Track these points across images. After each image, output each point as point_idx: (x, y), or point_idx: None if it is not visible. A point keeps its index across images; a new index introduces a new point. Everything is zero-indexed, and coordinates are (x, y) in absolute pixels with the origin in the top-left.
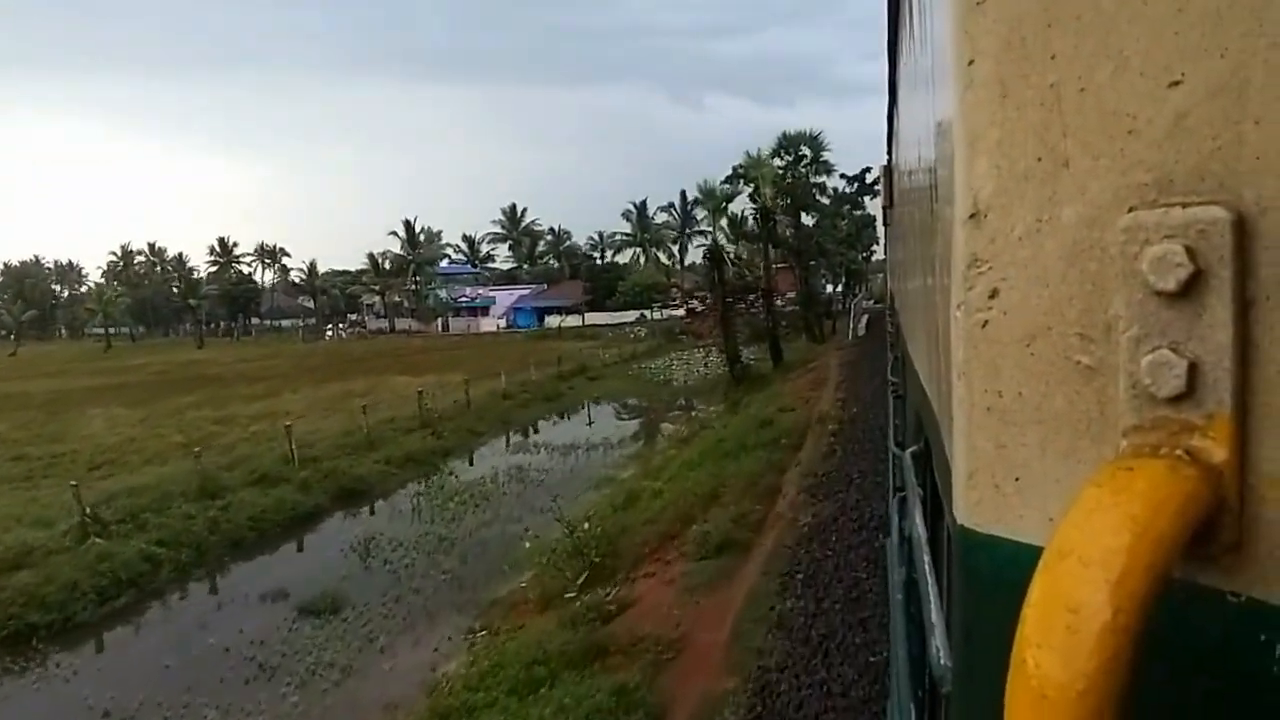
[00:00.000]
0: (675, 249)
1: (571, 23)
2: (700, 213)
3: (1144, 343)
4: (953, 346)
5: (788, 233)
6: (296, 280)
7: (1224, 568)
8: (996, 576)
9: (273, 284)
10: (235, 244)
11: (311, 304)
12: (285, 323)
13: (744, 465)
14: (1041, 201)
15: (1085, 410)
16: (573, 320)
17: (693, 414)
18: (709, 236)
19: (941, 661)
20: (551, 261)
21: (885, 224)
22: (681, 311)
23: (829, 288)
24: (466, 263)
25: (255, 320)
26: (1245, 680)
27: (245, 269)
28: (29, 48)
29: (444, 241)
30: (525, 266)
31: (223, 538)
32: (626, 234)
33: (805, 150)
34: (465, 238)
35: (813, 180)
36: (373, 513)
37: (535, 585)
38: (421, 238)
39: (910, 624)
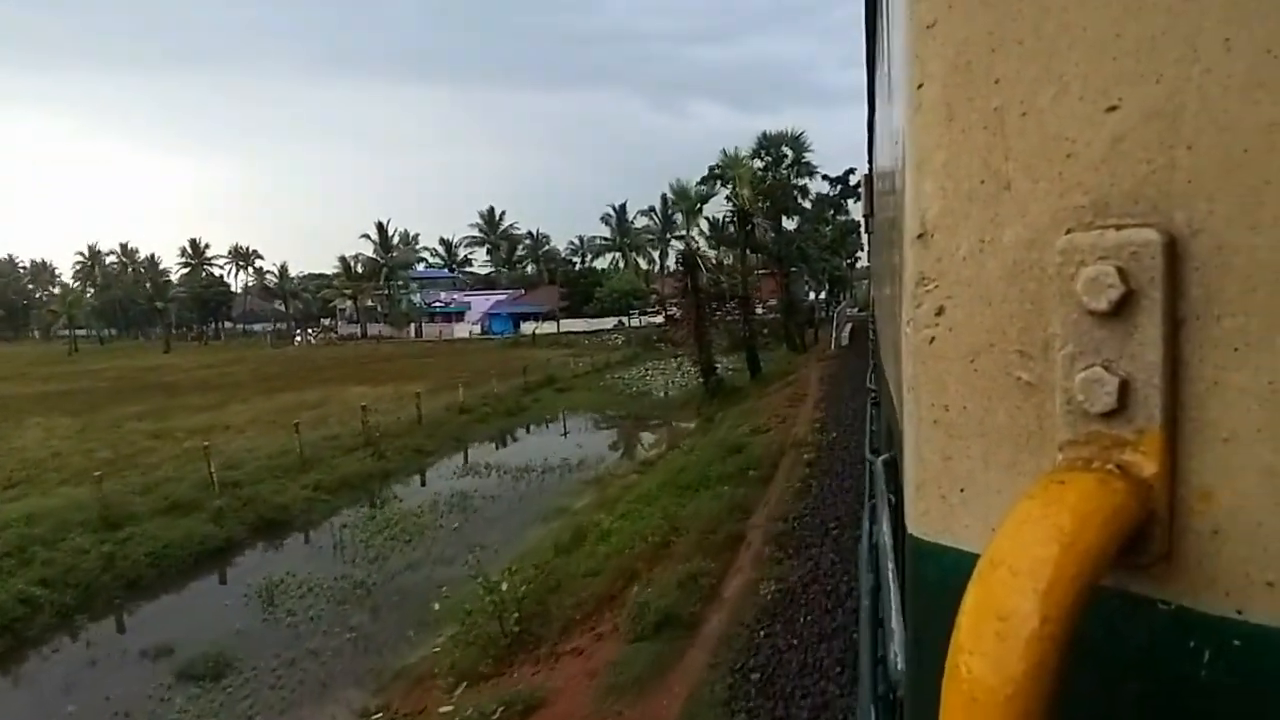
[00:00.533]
0: (655, 254)
1: (553, 26)
2: (681, 216)
3: (1079, 360)
4: (903, 361)
5: (768, 237)
6: (268, 283)
7: (1155, 577)
8: (942, 584)
9: (245, 287)
10: (207, 245)
11: (286, 308)
12: (258, 327)
13: (704, 505)
14: (984, 223)
15: (1025, 424)
16: (549, 327)
17: (662, 431)
18: (686, 240)
19: (899, 666)
20: (530, 267)
21: (867, 231)
22: (660, 319)
23: (812, 295)
24: (444, 267)
25: (228, 324)
26: (1175, 685)
27: (218, 271)
28: None
29: (420, 245)
30: (503, 271)
31: (117, 576)
32: (606, 238)
33: (786, 151)
34: (442, 241)
35: (794, 182)
36: (296, 546)
37: (448, 654)
38: (395, 240)
39: (874, 629)
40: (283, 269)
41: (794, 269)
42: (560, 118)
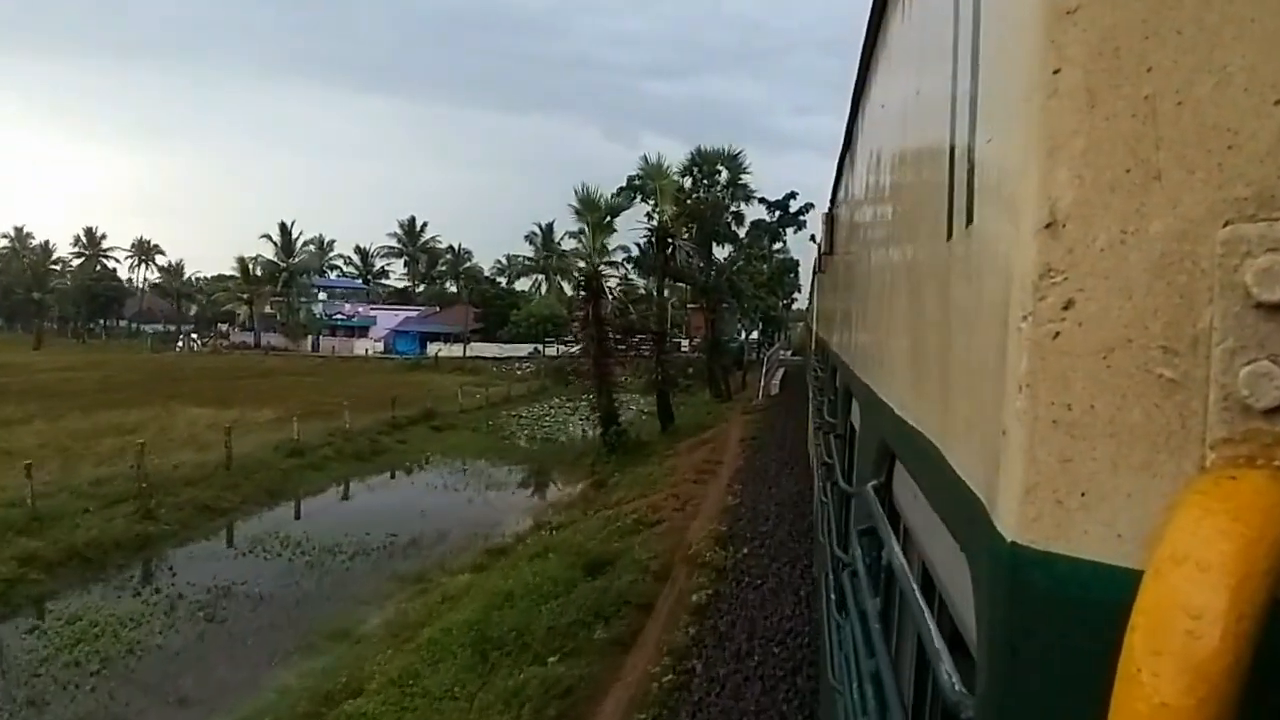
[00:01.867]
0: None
1: (519, 49)
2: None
3: (1240, 354)
4: (1012, 359)
5: (692, 264)
6: (158, 281)
7: None
8: (1052, 593)
9: (143, 284)
10: (103, 236)
11: (190, 309)
12: (152, 328)
13: (515, 689)
14: (1128, 213)
15: (1165, 423)
16: (460, 349)
17: (538, 498)
18: (589, 260)
19: (955, 687)
20: (449, 283)
21: (818, 271)
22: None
23: (744, 334)
24: (358, 277)
25: (124, 322)
26: None
27: (114, 264)
28: None
29: (335, 253)
30: (420, 286)
31: None
32: (530, 258)
33: (721, 170)
34: (358, 250)
35: (729, 207)
36: None
37: None
38: (300, 243)
39: (897, 656)
40: (177, 267)
41: (725, 304)
42: (511, 139)
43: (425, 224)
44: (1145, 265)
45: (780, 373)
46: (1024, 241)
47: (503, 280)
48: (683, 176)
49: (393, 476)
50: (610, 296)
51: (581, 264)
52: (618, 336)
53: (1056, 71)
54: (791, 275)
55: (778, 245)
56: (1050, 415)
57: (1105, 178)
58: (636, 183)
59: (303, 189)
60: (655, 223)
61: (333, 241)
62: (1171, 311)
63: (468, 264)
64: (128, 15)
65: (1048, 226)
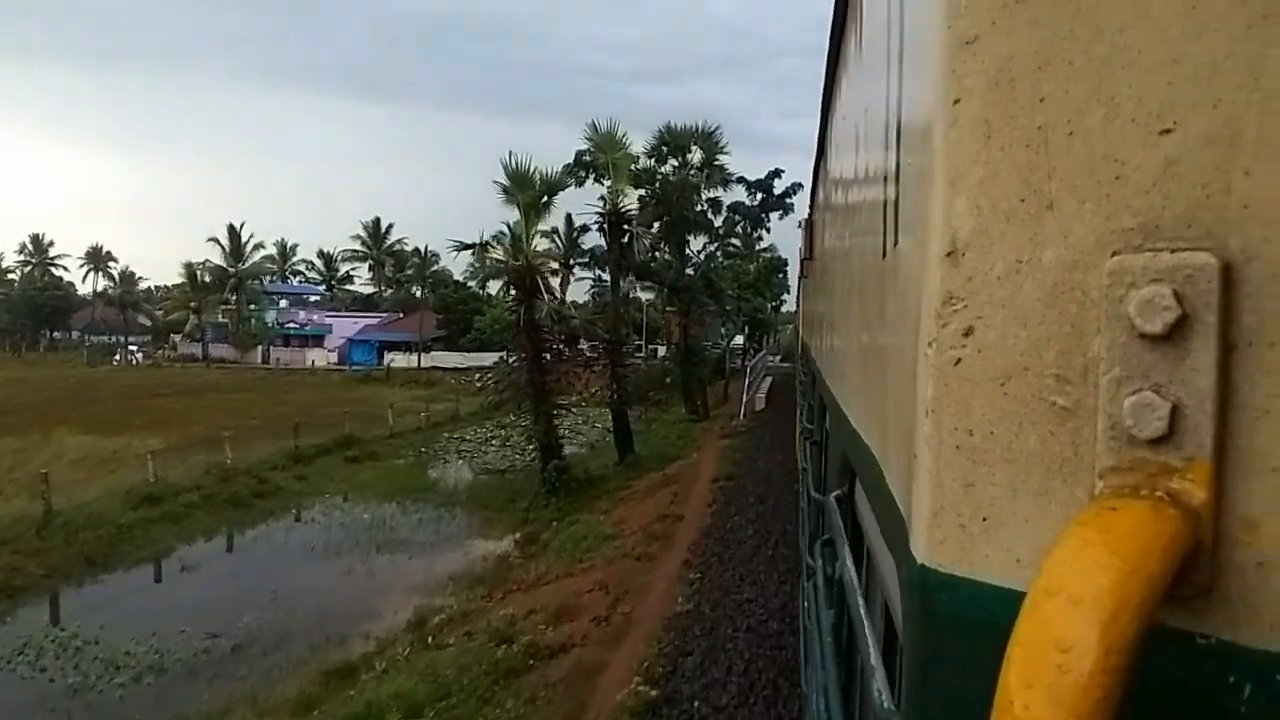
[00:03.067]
0: (556, 281)
1: (501, 55)
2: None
3: (1126, 384)
4: (920, 384)
5: (659, 257)
6: (107, 291)
7: (1194, 610)
8: (958, 617)
9: (92, 294)
10: (51, 243)
11: (148, 320)
12: (99, 339)
13: None
14: (1023, 242)
15: (1059, 451)
16: (424, 359)
17: (441, 565)
18: (523, 250)
19: (884, 704)
20: (416, 288)
21: (802, 275)
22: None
23: (731, 339)
24: (321, 283)
25: (77, 334)
26: None
27: (62, 273)
28: None
29: (299, 257)
30: (387, 292)
31: None
32: (500, 259)
33: (696, 151)
34: (321, 253)
35: (705, 193)
36: None
37: None
38: (249, 247)
39: (842, 667)
40: (125, 275)
41: (710, 306)
42: (499, 144)
43: (391, 226)
44: (1039, 294)
45: (767, 383)
46: (930, 267)
47: (475, 285)
48: (649, 157)
49: (267, 531)
50: (549, 296)
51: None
52: (559, 346)
53: (956, 102)
54: (780, 275)
55: (759, 234)
56: (954, 440)
57: (1002, 207)
58: (586, 158)
59: (279, 196)
60: (608, 206)
61: (295, 246)
62: (1063, 340)
63: (435, 267)
64: (93, 20)
65: (949, 254)
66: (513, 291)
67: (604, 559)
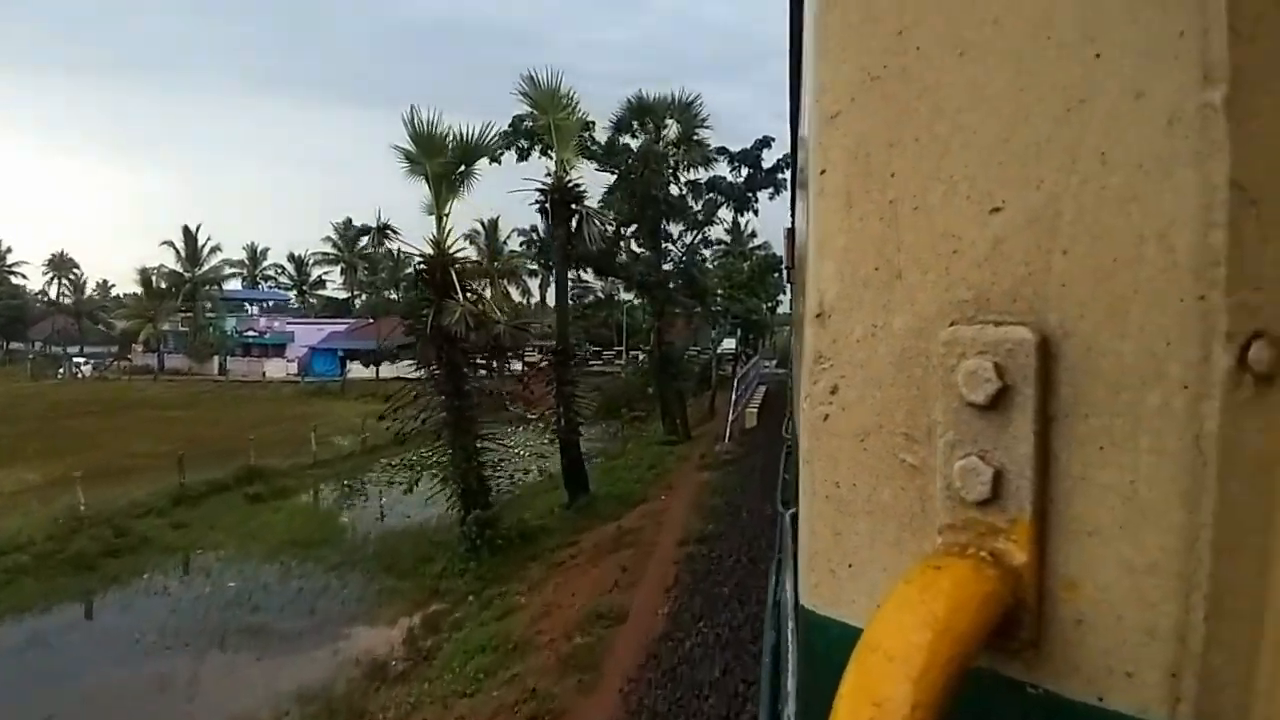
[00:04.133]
0: (535, 284)
1: (495, 60)
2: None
3: (958, 448)
4: (800, 435)
5: (620, 246)
6: (60, 299)
7: (1025, 661)
8: (829, 658)
9: (45, 303)
10: (9, 250)
11: (113, 329)
12: (61, 351)
13: None
14: (877, 308)
15: (909, 505)
16: (388, 369)
17: (296, 671)
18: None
19: None
20: (391, 293)
21: (789, 282)
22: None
23: (719, 344)
24: (292, 288)
25: (39, 344)
26: None
27: (21, 280)
28: None
29: (271, 261)
30: (362, 297)
31: None
32: (474, 261)
33: (670, 125)
34: (291, 257)
35: (683, 174)
36: None
37: None
38: (205, 251)
39: (773, 686)
40: (77, 283)
41: (694, 309)
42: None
43: (365, 226)
44: (890, 358)
45: (760, 393)
46: (807, 325)
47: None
48: (622, 133)
49: (89, 613)
50: (468, 296)
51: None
52: (487, 361)
53: (823, 172)
54: (776, 274)
55: (745, 217)
56: (824, 491)
57: (860, 274)
58: (525, 124)
59: (263, 201)
60: (547, 184)
61: (266, 250)
62: (911, 402)
63: (409, 269)
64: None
65: (818, 316)
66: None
67: (491, 707)
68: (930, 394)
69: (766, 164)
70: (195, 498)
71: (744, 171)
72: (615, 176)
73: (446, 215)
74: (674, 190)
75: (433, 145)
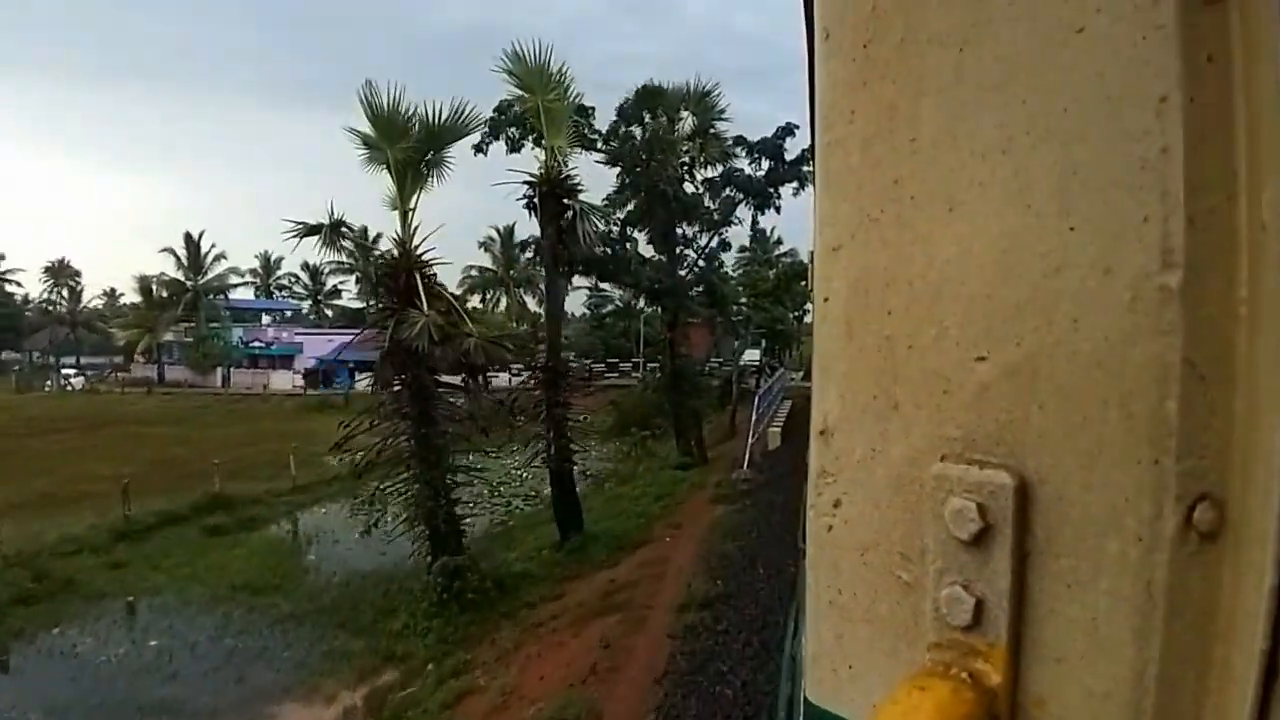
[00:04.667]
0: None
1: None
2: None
3: (945, 575)
4: (807, 542)
5: (631, 250)
6: (51, 308)
7: None
8: None
9: (39, 312)
10: (2, 255)
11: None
12: (65, 360)
13: None
14: (876, 434)
15: (903, 619)
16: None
17: None
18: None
19: None
20: None
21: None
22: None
23: (740, 355)
24: (307, 297)
25: (37, 355)
26: None
27: (16, 289)
28: None
29: (285, 270)
30: (376, 305)
31: None
32: (488, 269)
33: (685, 117)
34: (305, 266)
35: (699, 172)
36: None
37: None
38: (209, 259)
39: None
40: (73, 291)
41: (714, 318)
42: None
43: (380, 235)
44: (888, 481)
45: (785, 409)
46: (813, 438)
47: (474, 298)
48: (627, 124)
49: None
50: (440, 305)
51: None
52: (462, 379)
53: (826, 300)
54: (802, 282)
55: (765, 218)
56: (827, 596)
57: (860, 400)
58: (514, 108)
59: (284, 212)
60: (537, 173)
61: (280, 259)
62: (907, 525)
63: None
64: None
65: (821, 433)
66: (379, 294)
67: None
68: (923, 520)
69: (790, 155)
70: (144, 531)
71: (764, 164)
72: (618, 170)
73: (412, 210)
74: (689, 189)
75: (394, 128)
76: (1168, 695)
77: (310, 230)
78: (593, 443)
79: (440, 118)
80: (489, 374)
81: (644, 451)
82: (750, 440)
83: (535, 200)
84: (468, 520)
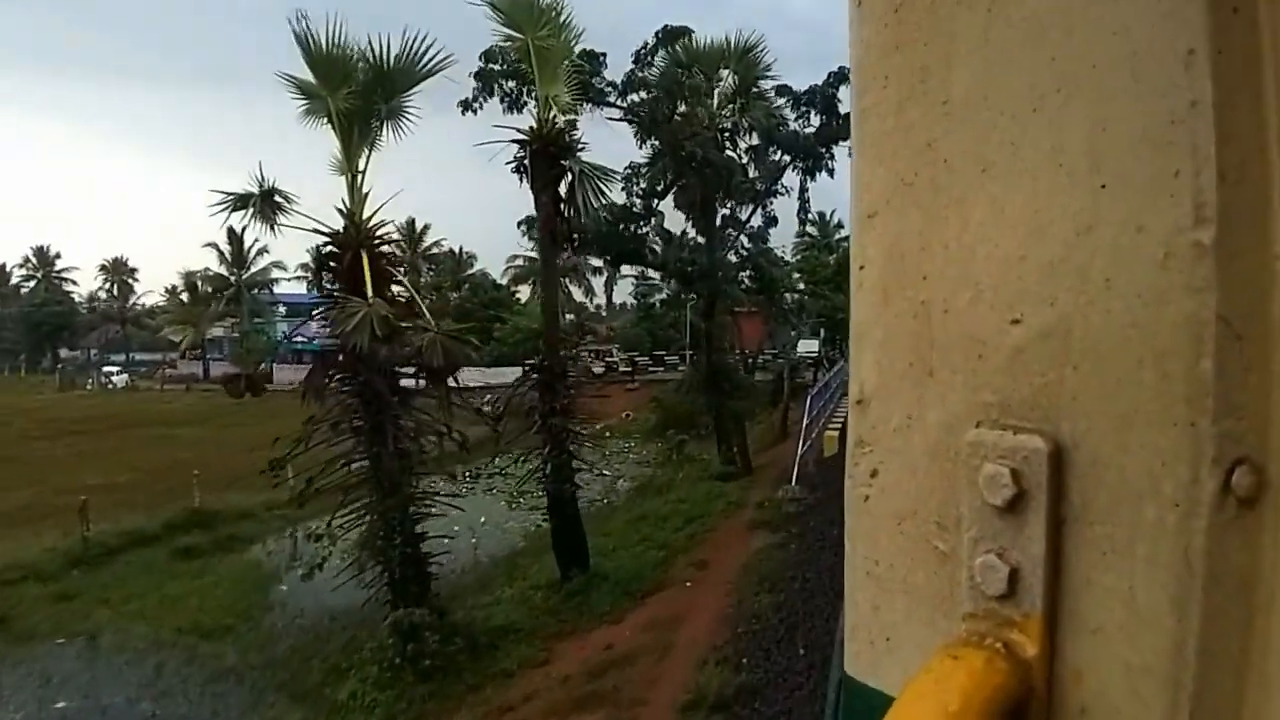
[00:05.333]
0: (599, 281)
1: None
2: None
3: (980, 544)
4: (846, 512)
5: (656, 225)
6: (94, 305)
7: None
8: None
9: (87, 310)
10: (58, 255)
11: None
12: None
13: None
14: (912, 401)
15: (940, 589)
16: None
17: None
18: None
19: None
20: (453, 295)
21: None
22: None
23: (803, 345)
24: None
25: (94, 352)
26: None
27: (71, 287)
28: None
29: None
30: (429, 299)
31: None
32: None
33: (726, 76)
34: None
35: (740, 139)
36: None
37: None
38: (251, 253)
39: None
40: (122, 287)
41: (751, 306)
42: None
43: (427, 226)
44: (924, 449)
45: (846, 408)
46: (850, 409)
47: (523, 289)
48: (640, 68)
49: None
50: (393, 289)
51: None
52: (419, 381)
53: (862, 268)
54: None
55: (815, 189)
56: (865, 568)
57: (896, 367)
58: (510, 55)
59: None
60: (530, 130)
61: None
62: (942, 493)
63: (470, 270)
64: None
65: (859, 403)
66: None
67: None
68: (958, 488)
69: (844, 106)
70: (105, 555)
71: (815, 120)
72: (635, 130)
73: (361, 174)
74: (732, 155)
75: (335, 69)
76: (1208, 668)
77: (240, 202)
78: (631, 444)
79: (389, 56)
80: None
81: (683, 457)
82: (800, 448)
83: (524, 163)
84: (441, 557)
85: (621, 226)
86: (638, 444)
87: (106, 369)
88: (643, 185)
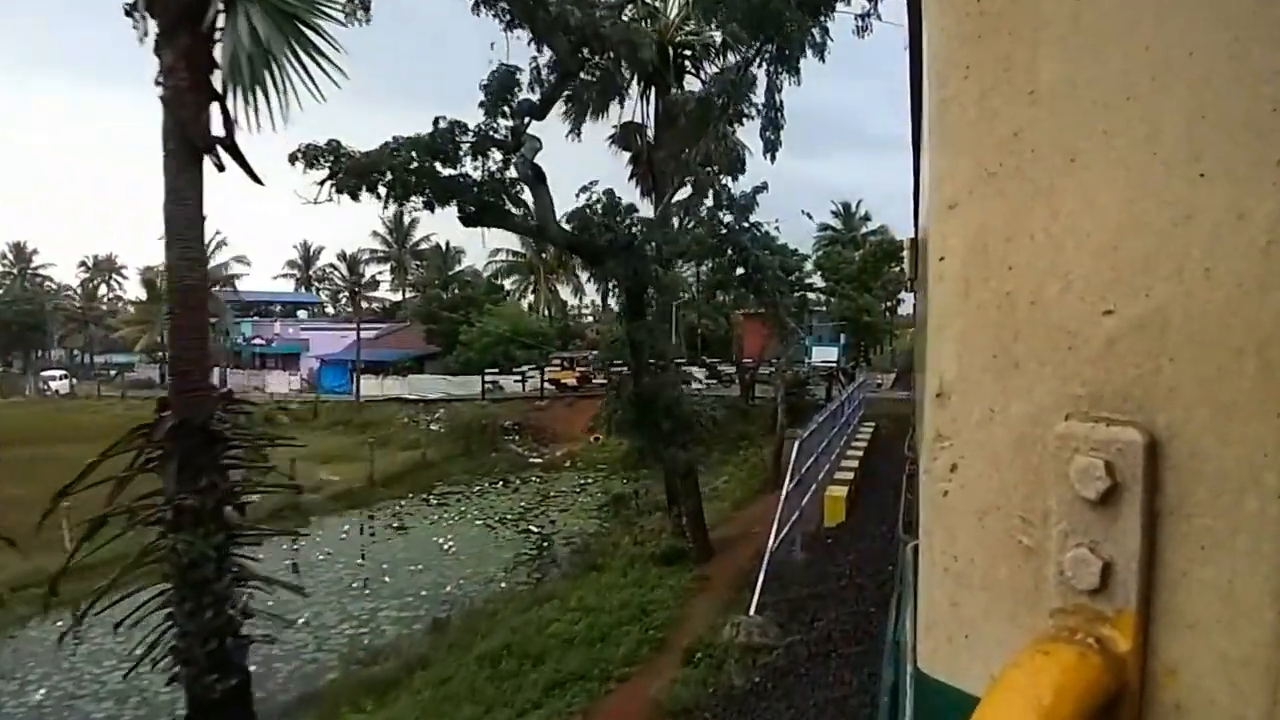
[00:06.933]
0: (585, 277)
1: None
2: None
3: (1070, 538)
4: (920, 507)
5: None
6: (59, 304)
7: None
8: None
9: (58, 307)
10: (34, 251)
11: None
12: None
13: None
14: (996, 393)
15: (1024, 584)
16: (393, 384)
17: None
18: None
19: None
20: (443, 293)
21: (912, 290)
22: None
23: (818, 352)
24: (341, 290)
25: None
26: None
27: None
28: None
29: (324, 261)
30: (410, 297)
31: None
32: (517, 253)
33: None
34: (342, 256)
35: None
36: None
37: None
38: (212, 247)
39: None
40: (87, 288)
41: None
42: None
43: (415, 220)
44: (1008, 442)
45: (865, 437)
46: (928, 403)
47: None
48: None
49: None
50: None
51: None
52: None
53: (942, 259)
54: (894, 265)
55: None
56: (942, 563)
57: (978, 359)
58: None
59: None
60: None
61: (320, 249)
62: (1028, 487)
63: (457, 267)
64: None
65: (938, 396)
66: None
67: None
68: (1045, 481)
69: None
70: None
71: None
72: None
73: None
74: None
75: None
76: None
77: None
78: (590, 479)
79: None
80: None
81: (628, 514)
82: (776, 532)
83: None
84: None
85: (441, 158)
86: (602, 477)
87: (46, 373)
88: (509, 98)
